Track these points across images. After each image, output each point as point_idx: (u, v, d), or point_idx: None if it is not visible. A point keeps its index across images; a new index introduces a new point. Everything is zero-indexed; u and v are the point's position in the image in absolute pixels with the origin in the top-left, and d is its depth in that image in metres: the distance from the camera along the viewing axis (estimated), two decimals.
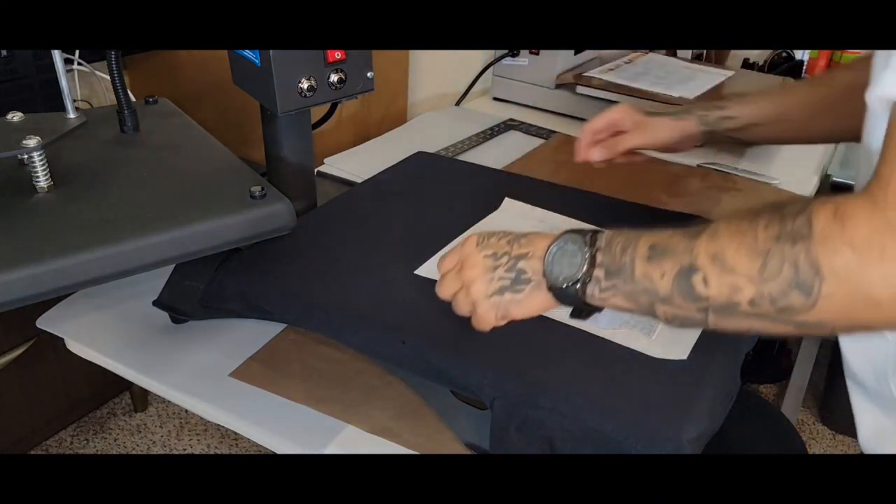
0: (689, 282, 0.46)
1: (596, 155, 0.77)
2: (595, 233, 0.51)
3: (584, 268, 0.50)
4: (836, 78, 0.74)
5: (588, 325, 0.61)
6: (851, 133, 0.63)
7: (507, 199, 0.84)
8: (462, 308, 0.57)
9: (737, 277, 0.44)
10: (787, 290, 0.42)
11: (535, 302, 0.54)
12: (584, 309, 0.53)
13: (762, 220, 0.44)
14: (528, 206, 0.84)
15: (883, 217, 0.39)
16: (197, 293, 0.69)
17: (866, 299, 0.40)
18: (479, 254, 0.56)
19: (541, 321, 0.62)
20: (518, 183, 0.91)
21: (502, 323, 0.55)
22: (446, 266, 0.59)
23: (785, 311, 0.42)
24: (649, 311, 0.49)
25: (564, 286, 0.51)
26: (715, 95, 1.20)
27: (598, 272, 0.50)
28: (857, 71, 0.67)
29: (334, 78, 0.72)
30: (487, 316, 0.55)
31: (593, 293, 0.50)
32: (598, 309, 0.52)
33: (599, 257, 0.50)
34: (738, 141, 0.79)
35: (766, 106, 0.76)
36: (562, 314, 0.62)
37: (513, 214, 0.81)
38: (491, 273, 0.55)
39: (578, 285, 0.50)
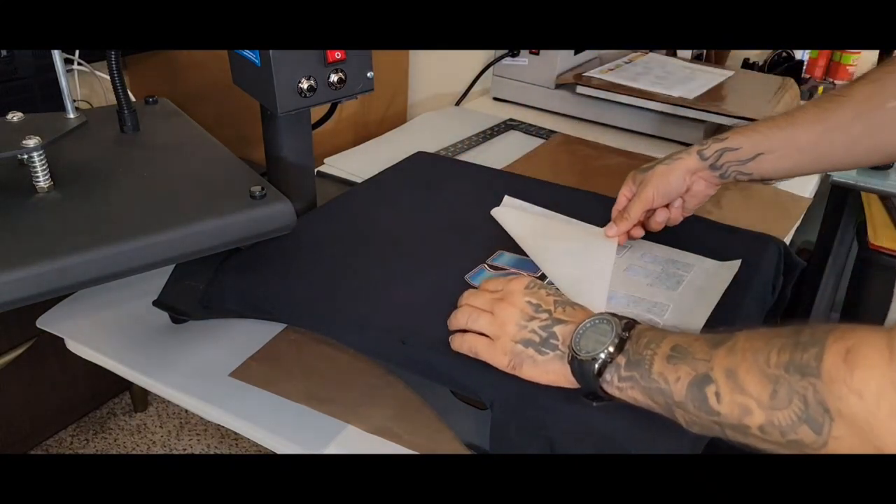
0: (703, 392, 0.44)
1: (636, 233, 0.76)
2: (632, 321, 0.51)
3: (609, 349, 0.49)
4: (851, 92, 0.65)
5: None
6: (878, 153, 0.60)
7: (506, 197, 0.84)
8: (481, 327, 0.56)
9: (747, 399, 0.42)
10: (797, 423, 0.40)
11: (551, 369, 0.53)
12: (596, 393, 0.51)
13: (777, 343, 0.42)
14: (529, 204, 0.84)
15: None
16: (197, 293, 0.69)
17: (879, 448, 0.37)
18: (524, 297, 0.56)
19: None
20: (518, 183, 0.91)
21: (507, 371, 0.55)
22: (488, 287, 0.59)
23: (795, 445, 0.40)
24: (669, 414, 0.47)
25: (584, 360, 0.50)
26: (715, 95, 1.20)
27: (621, 359, 0.49)
28: (875, 83, 0.63)
29: (334, 78, 0.72)
30: (500, 356, 0.55)
31: (612, 380, 0.49)
32: (610, 398, 0.50)
33: (627, 345, 0.49)
34: (752, 179, 0.71)
35: (770, 132, 0.68)
36: None
37: (513, 213, 0.81)
38: (526, 321, 0.54)
39: (597, 364, 0.49)
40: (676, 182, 0.73)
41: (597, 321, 0.51)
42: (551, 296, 0.56)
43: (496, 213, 0.81)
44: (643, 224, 0.76)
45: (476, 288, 0.62)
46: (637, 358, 0.48)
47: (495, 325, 0.56)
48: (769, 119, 0.70)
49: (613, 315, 0.51)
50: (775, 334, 0.42)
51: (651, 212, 0.75)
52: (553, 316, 0.54)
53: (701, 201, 0.76)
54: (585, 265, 0.71)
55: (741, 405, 0.42)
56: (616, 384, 0.49)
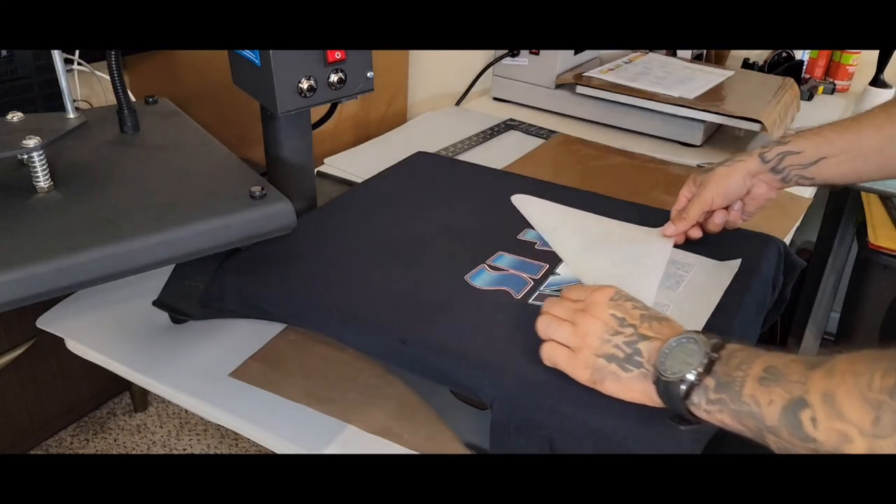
0: (798, 417, 0.42)
1: (694, 234, 0.75)
2: (722, 341, 0.49)
3: (698, 370, 0.47)
4: None
5: None
6: None
7: (515, 195, 0.84)
8: (562, 337, 0.55)
9: (847, 426, 0.39)
10: None
11: (634, 387, 0.51)
12: (683, 416, 0.49)
13: (881, 365, 0.39)
14: (541, 200, 0.84)
15: None
16: (197, 293, 0.69)
17: None
18: (608, 309, 0.54)
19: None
20: (518, 183, 0.91)
21: (588, 385, 0.53)
22: (570, 295, 0.58)
23: None
24: (760, 438, 0.45)
25: (670, 382, 0.48)
26: (715, 95, 1.20)
27: (710, 381, 0.47)
28: None
29: (334, 78, 0.72)
30: (581, 369, 0.53)
31: (699, 402, 0.47)
32: (698, 422, 0.48)
33: (716, 366, 0.47)
34: (815, 183, 0.71)
35: (834, 136, 0.68)
36: None
37: (527, 210, 0.81)
38: (610, 336, 0.53)
39: (684, 386, 0.47)
40: (736, 184, 0.72)
41: (684, 340, 0.49)
42: (637, 309, 0.54)
43: (518, 199, 0.82)
44: (701, 225, 0.76)
45: (484, 290, 0.62)
46: (727, 380, 0.46)
47: (577, 337, 0.54)
48: (835, 123, 0.69)
49: (701, 333, 0.49)
50: (879, 356, 0.40)
51: (710, 213, 0.75)
52: (638, 331, 0.52)
53: (761, 205, 0.75)
54: (639, 263, 0.71)
55: (840, 432, 0.40)
56: (704, 407, 0.47)
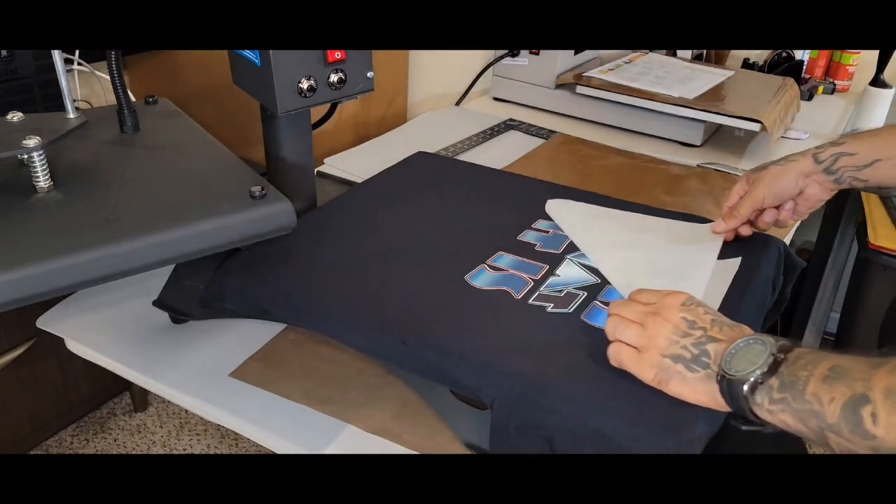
0: (858, 413, 0.41)
1: (744, 231, 0.76)
2: (789, 344, 0.48)
3: (763, 369, 0.47)
4: None
5: (589, 324, 0.62)
6: None
7: (550, 201, 0.84)
8: (629, 338, 0.55)
9: None
10: None
11: (699, 388, 0.51)
12: (746, 417, 0.49)
13: None
14: (574, 202, 0.84)
15: None
16: (197, 293, 0.69)
17: None
18: (679, 313, 0.54)
19: (542, 320, 0.62)
20: (518, 183, 0.91)
21: (652, 385, 0.53)
22: (640, 298, 0.58)
23: None
24: (822, 440, 0.44)
25: (733, 380, 0.48)
26: (715, 95, 1.20)
27: (774, 381, 0.47)
28: None
29: (334, 78, 0.72)
30: (646, 369, 0.53)
31: (762, 402, 0.47)
32: (762, 424, 0.48)
33: (782, 367, 0.47)
34: (869, 188, 0.71)
35: (890, 138, 0.68)
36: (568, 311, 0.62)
37: (561, 214, 0.81)
38: (679, 337, 0.53)
39: (746, 386, 0.47)
40: (789, 184, 0.72)
41: (751, 341, 0.49)
42: (709, 314, 0.54)
43: (552, 205, 0.82)
44: (752, 223, 0.76)
45: (484, 290, 0.62)
46: (791, 380, 0.46)
47: (644, 337, 0.54)
48: (891, 125, 0.69)
49: (769, 335, 0.49)
50: None
51: (761, 211, 0.75)
52: (708, 334, 0.52)
53: (814, 205, 0.75)
54: (687, 263, 0.71)
55: None
56: (767, 407, 0.47)
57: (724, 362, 0.49)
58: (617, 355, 0.55)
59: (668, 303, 0.55)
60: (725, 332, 0.52)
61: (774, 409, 0.46)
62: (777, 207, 0.75)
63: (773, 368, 0.47)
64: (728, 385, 0.48)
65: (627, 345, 0.55)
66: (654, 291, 0.58)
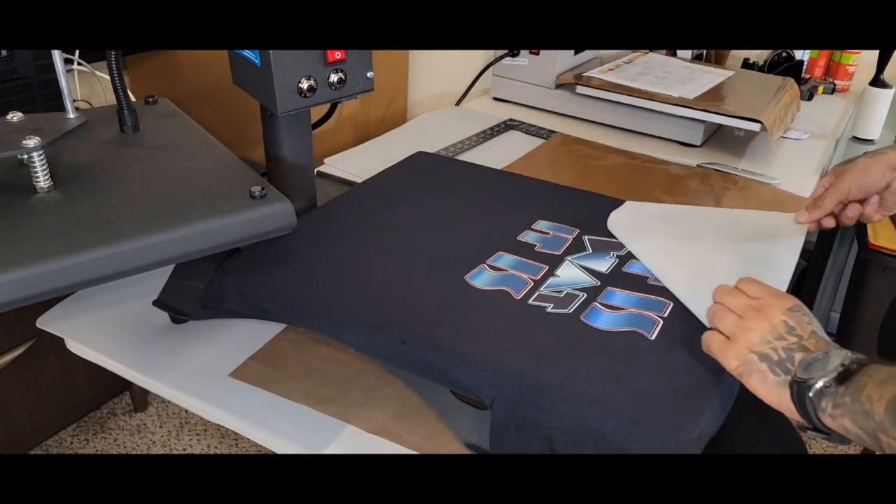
0: None
1: (828, 223, 0.76)
2: (869, 360, 0.48)
3: (832, 375, 0.47)
4: None
5: (588, 325, 0.62)
6: None
7: (612, 216, 0.82)
8: (724, 326, 0.56)
9: None
10: None
11: (772, 391, 0.51)
12: (814, 423, 0.49)
13: None
14: (647, 203, 0.85)
15: None
16: (197, 293, 0.69)
17: None
18: (782, 316, 0.54)
19: (542, 320, 0.62)
20: (518, 183, 0.91)
21: (734, 374, 0.54)
22: (748, 290, 0.58)
23: None
24: (876, 443, 0.44)
25: (802, 384, 0.48)
26: (715, 95, 1.20)
27: (841, 389, 0.47)
28: None
29: (334, 78, 0.72)
30: (730, 358, 0.54)
31: (826, 407, 0.47)
32: (827, 432, 0.49)
33: (853, 377, 0.47)
34: None
35: None
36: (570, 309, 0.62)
37: (631, 212, 0.82)
38: (773, 338, 0.53)
39: (812, 392, 0.47)
40: (876, 176, 0.72)
41: (831, 353, 0.49)
42: (811, 325, 0.54)
43: (614, 220, 0.80)
44: (836, 216, 0.76)
45: (484, 290, 0.62)
46: (854, 387, 0.46)
47: (738, 328, 0.54)
48: None
49: (856, 353, 0.49)
50: None
51: (846, 205, 0.75)
52: (802, 343, 0.52)
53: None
54: (769, 250, 0.71)
55: None
56: (829, 411, 0.47)
57: (799, 368, 0.50)
58: (707, 341, 0.56)
59: (774, 303, 0.55)
60: (817, 345, 0.52)
61: (836, 414, 0.47)
62: (861, 203, 0.74)
63: (843, 377, 0.47)
64: (797, 388, 0.49)
65: (720, 332, 0.56)
66: (762, 286, 0.58)
